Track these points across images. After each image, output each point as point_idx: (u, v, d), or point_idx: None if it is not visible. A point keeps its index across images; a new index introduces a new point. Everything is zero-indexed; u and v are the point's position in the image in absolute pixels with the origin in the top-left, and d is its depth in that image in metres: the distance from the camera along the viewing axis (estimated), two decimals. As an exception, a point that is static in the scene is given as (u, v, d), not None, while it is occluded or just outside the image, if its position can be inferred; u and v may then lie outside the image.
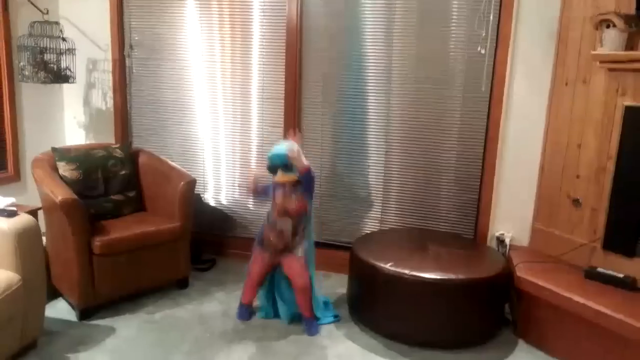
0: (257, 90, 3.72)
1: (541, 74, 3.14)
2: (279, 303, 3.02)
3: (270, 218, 2.89)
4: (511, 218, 3.34)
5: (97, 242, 2.84)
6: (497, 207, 3.37)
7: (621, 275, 2.67)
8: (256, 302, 3.06)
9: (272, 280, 3.03)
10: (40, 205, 3.12)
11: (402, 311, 2.77)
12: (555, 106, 3.09)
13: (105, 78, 3.94)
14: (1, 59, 3.46)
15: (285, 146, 2.82)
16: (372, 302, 2.88)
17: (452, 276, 2.68)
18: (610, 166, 2.77)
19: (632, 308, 2.42)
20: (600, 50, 2.69)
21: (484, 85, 3.28)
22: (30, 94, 3.70)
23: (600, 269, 2.75)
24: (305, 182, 2.84)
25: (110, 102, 3.96)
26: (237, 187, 3.87)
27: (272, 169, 2.87)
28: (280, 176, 2.85)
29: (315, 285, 2.97)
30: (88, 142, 3.99)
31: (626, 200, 2.70)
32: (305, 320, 2.92)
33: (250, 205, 3.87)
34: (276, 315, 3.03)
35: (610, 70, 2.74)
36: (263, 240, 2.93)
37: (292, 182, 2.83)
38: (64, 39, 3.43)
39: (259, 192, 3.01)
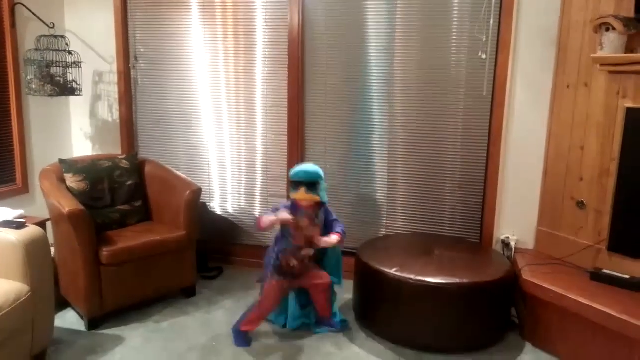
0: (260, 98, 3.75)
1: (542, 78, 3.16)
2: (290, 311, 2.99)
3: (291, 244, 2.75)
4: (516, 221, 3.35)
5: (105, 252, 2.87)
6: (502, 211, 3.37)
7: (627, 277, 2.67)
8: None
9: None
10: (48, 216, 3.15)
11: (408, 316, 2.78)
12: (557, 109, 3.11)
13: (111, 90, 3.99)
14: (9, 73, 3.51)
15: (315, 167, 2.82)
16: (378, 308, 2.90)
17: (457, 280, 2.69)
18: (613, 168, 2.77)
19: (638, 309, 2.42)
20: (600, 54, 2.70)
21: (485, 90, 3.30)
22: (38, 107, 3.75)
23: (605, 271, 2.76)
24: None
25: (116, 114, 4.01)
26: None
27: (294, 184, 2.75)
28: (302, 194, 2.73)
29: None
30: (95, 154, 4.04)
31: (630, 201, 2.70)
32: (324, 319, 2.97)
33: (256, 214, 3.89)
34: (283, 324, 3.02)
35: (611, 72, 2.76)
36: (281, 268, 2.77)
37: (313, 205, 2.79)
38: (70, 52, 3.48)
39: (267, 228, 2.75)
